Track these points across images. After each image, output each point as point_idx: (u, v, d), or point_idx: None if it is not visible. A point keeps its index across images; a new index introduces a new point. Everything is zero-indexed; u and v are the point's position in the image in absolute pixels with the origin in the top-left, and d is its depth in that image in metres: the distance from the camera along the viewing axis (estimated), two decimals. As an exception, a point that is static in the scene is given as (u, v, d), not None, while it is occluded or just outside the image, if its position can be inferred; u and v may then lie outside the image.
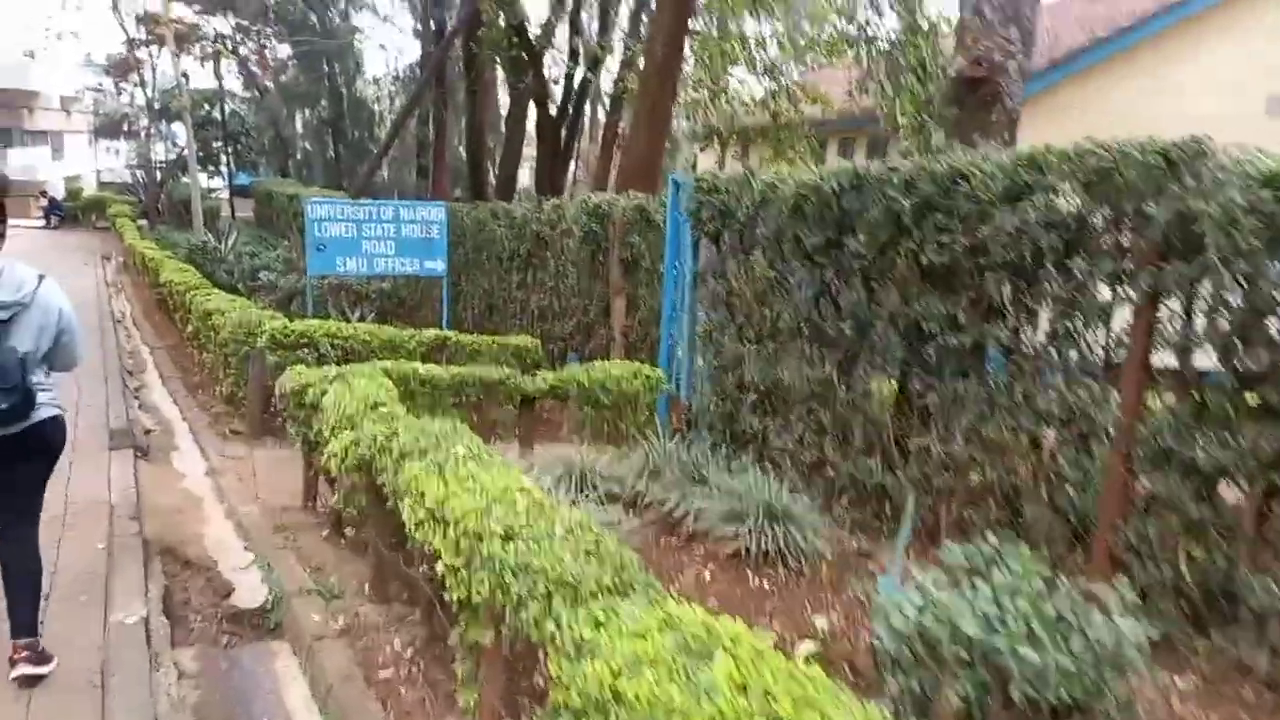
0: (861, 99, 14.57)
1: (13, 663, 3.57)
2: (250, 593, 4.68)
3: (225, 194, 33.13)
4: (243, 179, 34.50)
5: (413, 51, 37.72)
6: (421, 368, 5.61)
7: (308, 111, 39.09)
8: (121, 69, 34.03)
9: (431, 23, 33.55)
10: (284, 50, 37.98)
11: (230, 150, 33.01)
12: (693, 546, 5.05)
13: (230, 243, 18.73)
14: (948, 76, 7.11)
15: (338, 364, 7.88)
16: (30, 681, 3.57)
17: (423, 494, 3.04)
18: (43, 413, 3.57)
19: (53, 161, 52.21)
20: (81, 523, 5.30)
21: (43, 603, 3.85)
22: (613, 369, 6.18)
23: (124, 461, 6.61)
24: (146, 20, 31.64)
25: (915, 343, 5.13)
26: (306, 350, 7.42)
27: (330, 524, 5.26)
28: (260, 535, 5.27)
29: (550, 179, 14.74)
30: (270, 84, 37.52)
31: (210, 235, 19.59)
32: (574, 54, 14.31)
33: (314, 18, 37.21)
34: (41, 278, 3.57)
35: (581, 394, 6.09)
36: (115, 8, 31.32)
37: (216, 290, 10.00)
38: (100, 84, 35.25)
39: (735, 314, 6.39)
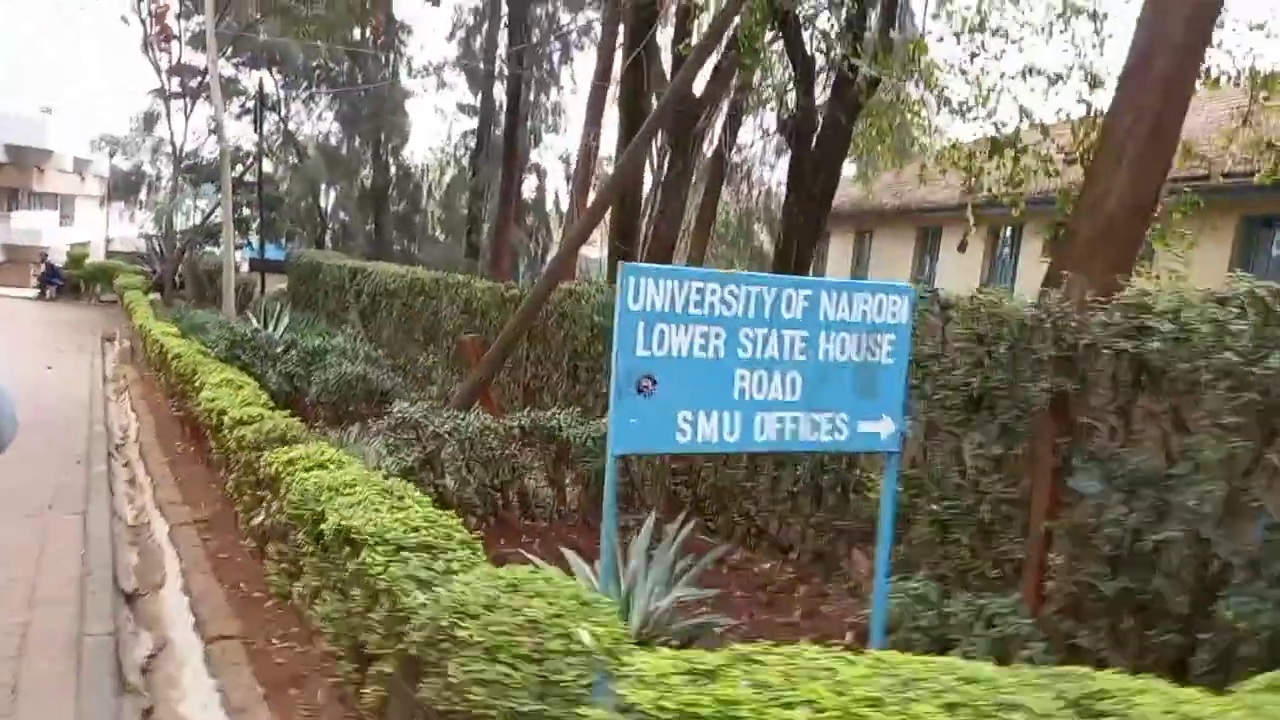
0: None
1: None
2: None
3: (246, 267, 27.86)
4: (272, 251, 29.18)
5: (466, 121, 33.58)
6: None
7: (348, 181, 34.57)
8: (147, 121, 29.51)
9: (501, 84, 29.43)
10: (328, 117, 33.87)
11: (262, 219, 27.69)
12: None
13: (280, 330, 13.45)
14: None
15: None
16: None
17: None
18: None
19: (60, 227, 47.55)
20: None
21: None
22: None
23: None
24: (182, 71, 27.24)
25: None
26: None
27: None
28: None
29: (802, 244, 9.08)
30: (311, 149, 33.02)
31: (254, 317, 14.36)
32: (849, 55, 8.94)
33: (361, 77, 32.98)
34: None
35: None
36: (146, 51, 26.94)
37: (350, 465, 4.55)
38: (119, 136, 30.53)
39: None
